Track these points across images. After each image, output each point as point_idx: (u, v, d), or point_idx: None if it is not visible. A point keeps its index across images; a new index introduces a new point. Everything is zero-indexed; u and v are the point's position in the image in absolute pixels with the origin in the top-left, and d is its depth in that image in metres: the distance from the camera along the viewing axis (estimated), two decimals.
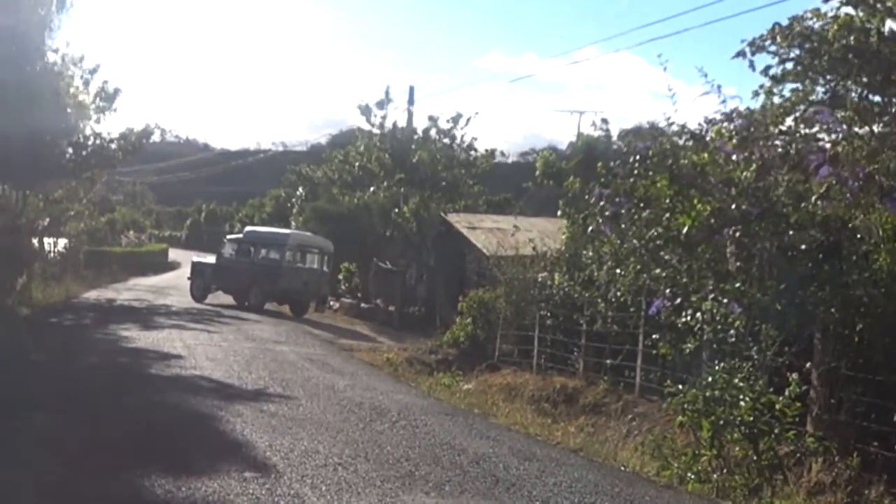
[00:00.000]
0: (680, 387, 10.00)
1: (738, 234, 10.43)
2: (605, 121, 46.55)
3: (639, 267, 12.37)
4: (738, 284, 10.33)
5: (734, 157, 10.93)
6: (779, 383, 9.54)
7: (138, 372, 14.51)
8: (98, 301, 30.26)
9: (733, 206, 10.43)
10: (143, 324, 21.99)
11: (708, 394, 9.47)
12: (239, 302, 32.08)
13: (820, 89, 12.32)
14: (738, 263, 10.61)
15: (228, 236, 38.04)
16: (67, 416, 10.32)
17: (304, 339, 22.36)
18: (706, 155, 11.19)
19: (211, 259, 34.83)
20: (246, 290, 31.58)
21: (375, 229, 36.16)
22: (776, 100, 12.43)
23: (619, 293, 13.82)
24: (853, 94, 12.01)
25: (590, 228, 14.25)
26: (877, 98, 11.84)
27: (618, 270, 13.38)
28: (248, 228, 37.62)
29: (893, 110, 11.68)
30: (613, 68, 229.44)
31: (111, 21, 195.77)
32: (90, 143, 28.31)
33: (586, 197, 14.13)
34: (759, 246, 10.36)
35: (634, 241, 12.16)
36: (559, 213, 20.01)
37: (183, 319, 24.32)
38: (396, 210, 34.23)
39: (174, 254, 70.82)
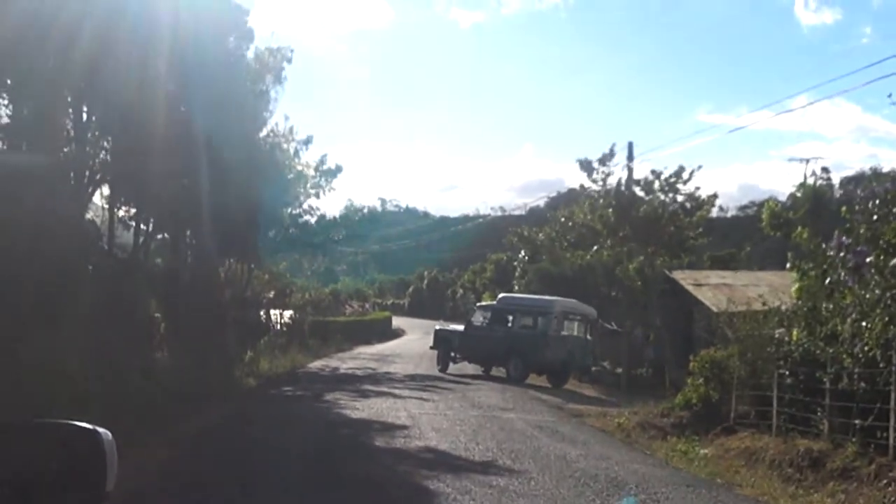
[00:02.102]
0: None
1: None
2: (825, 169, 44.70)
3: (886, 318, 11.50)
4: None
5: None
6: None
7: (362, 444, 14.59)
8: (322, 370, 31.13)
9: None
10: (366, 393, 22.34)
11: None
12: (486, 371, 31.73)
13: None
14: None
15: (479, 304, 37.88)
16: (285, 493, 10.43)
17: (531, 405, 22.06)
18: None
19: (455, 327, 34.52)
20: (503, 359, 30.72)
21: (599, 289, 35.50)
22: None
23: (866, 347, 12.87)
24: None
25: (828, 280, 13.44)
26: None
27: (864, 323, 12.47)
28: (502, 295, 36.29)
29: None
30: (827, 116, 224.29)
31: (329, 94, 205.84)
32: (312, 219, 29.59)
33: (824, 247, 13.35)
34: None
35: (877, 291, 11.34)
36: (787, 265, 19.09)
37: (407, 388, 24.55)
38: (621, 268, 33.60)
39: (397, 321, 72.58)
